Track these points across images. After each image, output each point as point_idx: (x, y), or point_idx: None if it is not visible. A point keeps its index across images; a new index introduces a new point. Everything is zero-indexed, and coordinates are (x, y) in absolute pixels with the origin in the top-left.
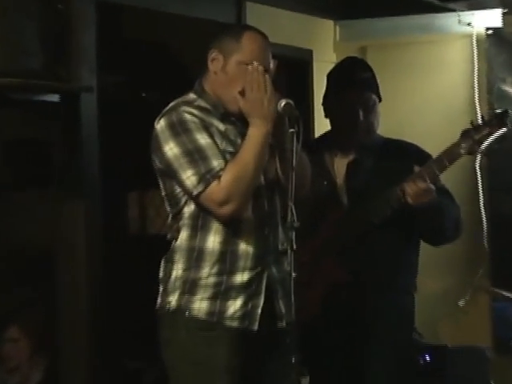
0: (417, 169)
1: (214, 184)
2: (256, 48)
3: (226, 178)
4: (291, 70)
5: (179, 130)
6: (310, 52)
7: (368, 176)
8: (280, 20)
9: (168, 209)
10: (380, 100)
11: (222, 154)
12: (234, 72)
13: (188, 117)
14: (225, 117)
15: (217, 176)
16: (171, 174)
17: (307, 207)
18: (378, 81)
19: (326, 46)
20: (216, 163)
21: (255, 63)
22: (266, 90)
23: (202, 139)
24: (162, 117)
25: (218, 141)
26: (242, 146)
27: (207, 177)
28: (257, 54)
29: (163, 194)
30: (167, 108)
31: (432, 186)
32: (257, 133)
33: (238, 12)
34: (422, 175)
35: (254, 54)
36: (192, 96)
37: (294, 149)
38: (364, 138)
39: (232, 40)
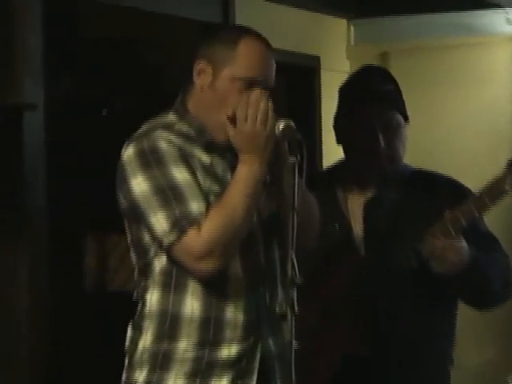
0: (448, 215)
1: (193, 233)
2: (256, 60)
3: (208, 225)
4: (293, 82)
5: (151, 160)
6: (317, 59)
7: (391, 218)
8: (279, 18)
9: (134, 260)
10: (406, 120)
11: (205, 194)
12: (225, 90)
13: (163, 145)
14: (211, 146)
15: (195, 222)
16: (138, 215)
17: (313, 258)
18: (404, 96)
19: (337, 51)
20: (195, 206)
21: (257, 91)
22: (266, 122)
23: (179, 174)
24: (131, 143)
25: (201, 177)
26: (229, 186)
27: (182, 223)
28: (257, 68)
29: (129, 240)
30: (138, 132)
31: (460, 243)
32: (248, 171)
33: (225, 7)
34: (445, 228)
35: (253, 68)
36: (171, 117)
37: (296, 184)
38: (386, 168)
39: (225, 47)
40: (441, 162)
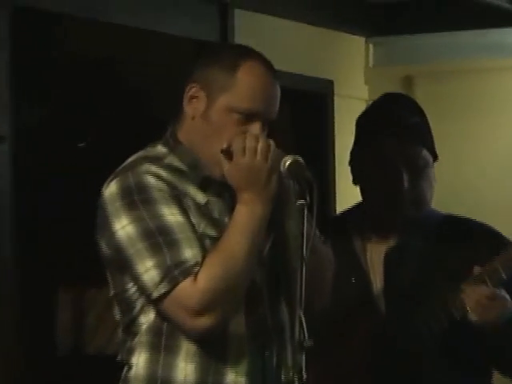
0: (484, 266)
1: (187, 284)
2: (257, 89)
3: (204, 275)
4: (302, 111)
5: (137, 199)
6: (330, 84)
7: (416, 270)
8: (285, 36)
9: (118, 316)
10: (435, 158)
11: (200, 239)
12: (220, 121)
13: (151, 180)
14: (206, 183)
15: (189, 272)
16: (123, 264)
17: (326, 316)
18: (432, 129)
19: (353, 75)
20: (189, 253)
21: (257, 124)
22: (267, 154)
23: (171, 215)
24: (114, 179)
25: (195, 219)
26: (227, 230)
27: (175, 273)
28: (257, 99)
29: (111, 293)
30: (122, 166)
31: (501, 294)
32: (247, 212)
33: (222, 23)
34: (482, 280)
35: (253, 98)
36: (161, 150)
37: (305, 230)
38: (410, 213)
39: (222, 72)
40: (474, 206)
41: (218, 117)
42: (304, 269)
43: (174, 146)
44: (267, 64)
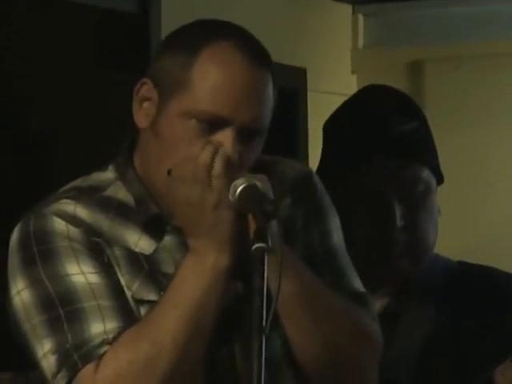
0: None
1: (88, 372)
2: (225, 81)
3: (111, 360)
4: None
5: (36, 252)
6: (303, 73)
7: (416, 351)
8: (238, 5)
9: None
10: (440, 180)
11: (126, 307)
12: (172, 132)
13: (58, 225)
14: (159, 223)
15: (91, 356)
16: (24, 345)
17: None
18: (440, 138)
19: (334, 60)
20: (97, 329)
21: (225, 136)
22: (209, 181)
23: (79, 275)
24: (20, 222)
25: (126, 277)
26: (163, 295)
27: (74, 357)
28: (225, 95)
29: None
30: (41, 202)
31: None
32: (193, 265)
33: None
34: None
35: (218, 95)
36: (107, 175)
37: (265, 288)
38: (405, 265)
39: (177, 61)
40: (495, 246)
41: (169, 126)
42: (263, 349)
43: (125, 169)
44: (247, 46)
